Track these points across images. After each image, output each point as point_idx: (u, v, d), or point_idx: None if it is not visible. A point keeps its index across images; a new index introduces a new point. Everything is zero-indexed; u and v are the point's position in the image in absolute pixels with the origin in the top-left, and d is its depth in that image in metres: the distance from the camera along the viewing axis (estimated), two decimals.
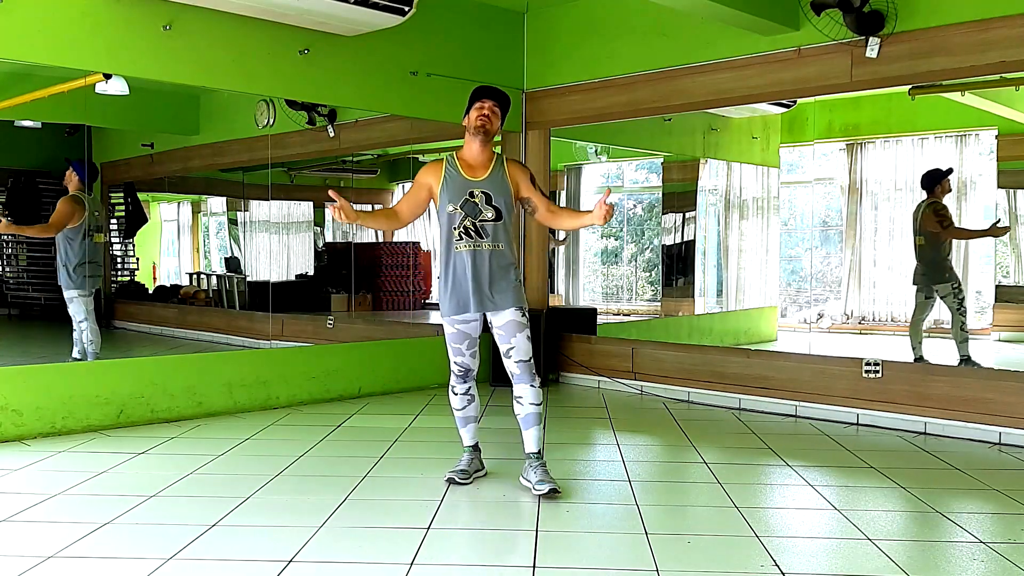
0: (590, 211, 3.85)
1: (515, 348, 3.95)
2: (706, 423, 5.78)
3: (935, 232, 6.25)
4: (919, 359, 6.12)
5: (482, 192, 3.94)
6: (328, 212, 8.29)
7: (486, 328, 4.09)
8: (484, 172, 3.98)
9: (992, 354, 6.15)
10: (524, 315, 3.98)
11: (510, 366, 3.99)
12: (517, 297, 3.97)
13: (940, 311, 6.57)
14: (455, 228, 3.93)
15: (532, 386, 3.97)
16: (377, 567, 3.06)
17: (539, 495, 3.82)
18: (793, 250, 8.19)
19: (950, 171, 6.26)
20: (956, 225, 6.34)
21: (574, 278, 8.84)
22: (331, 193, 3.85)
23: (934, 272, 6.28)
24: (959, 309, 6.13)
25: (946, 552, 3.35)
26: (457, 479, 4.06)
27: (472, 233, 3.92)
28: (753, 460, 4.83)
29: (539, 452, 4.00)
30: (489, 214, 3.93)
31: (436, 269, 4.13)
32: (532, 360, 3.99)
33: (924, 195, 6.34)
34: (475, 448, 4.22)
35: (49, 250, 6.49)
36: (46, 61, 5.06)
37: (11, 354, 5.90)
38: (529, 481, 3.93)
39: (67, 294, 5.72)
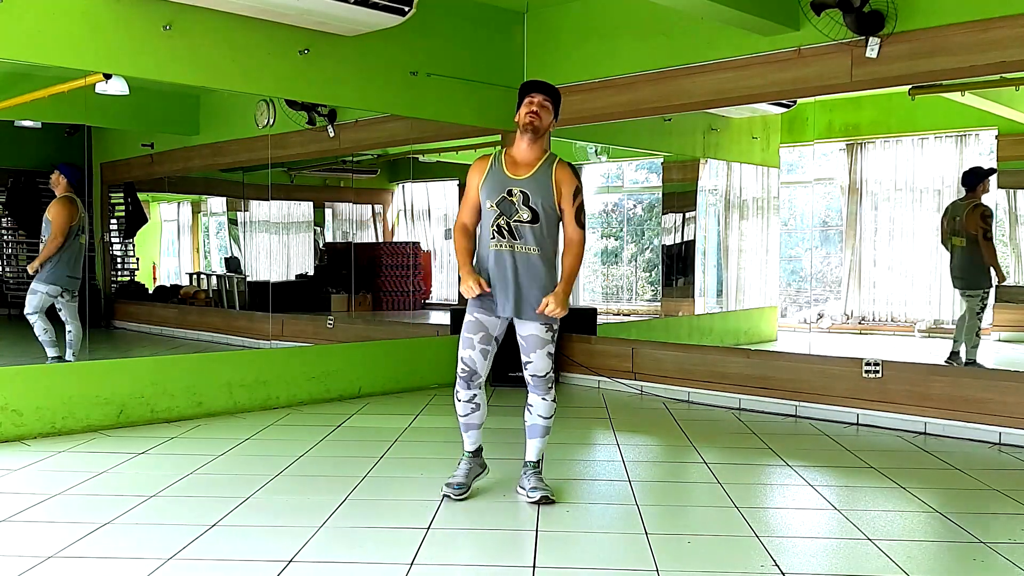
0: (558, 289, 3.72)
1: (532, 363, 3.81)
2: (706, 423, 5.78)
3: (976, 235, 6.11)
4: (956, 355, 6.07)
5: (521, 191, 3.73)
6: (327, 211, 8.34)
7: (509, 334, 3.91)
8: (528, 171, 3.78)
9: (992, 354, 6.15)
10: (549, 331, 3.78)
11: (526, 376, 3.87)
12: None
13: (941, 311, 6.57)
14: (490, 226, 3.76)
15: (544, 399, 3.86)
16: (377, 567, 3.06)
17: (531, 502, 3.78)
18: (793, 250, 8.19)
19: (992, 171, 6.15)
20: (993, 240, 6.16)
21: None
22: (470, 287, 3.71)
23: (971, 276, 6.15)
24: (978, 314, 6.06)
25: (946, 552, 3.35)
26: (452, 496, 3.83)
27: (505, 233, 3.73)
28: (753, 460, 4.83)
29: (537, 462, 3.94)
30: (525, 215, 3.72)
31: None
32: (549, 375, 3.84)
33: (962, 194, 6.19)
34: (475, 454, 4.00)
35: None
36: (46, 61, 5.06)
37: (11, 354, 5.90)
38: (523, 488, 3.87)
39: (33, 285, 5.71)
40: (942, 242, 6.36)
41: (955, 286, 6.25)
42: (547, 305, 3.66)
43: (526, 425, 3.93)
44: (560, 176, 3.78)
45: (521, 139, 3.80)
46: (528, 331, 3.78)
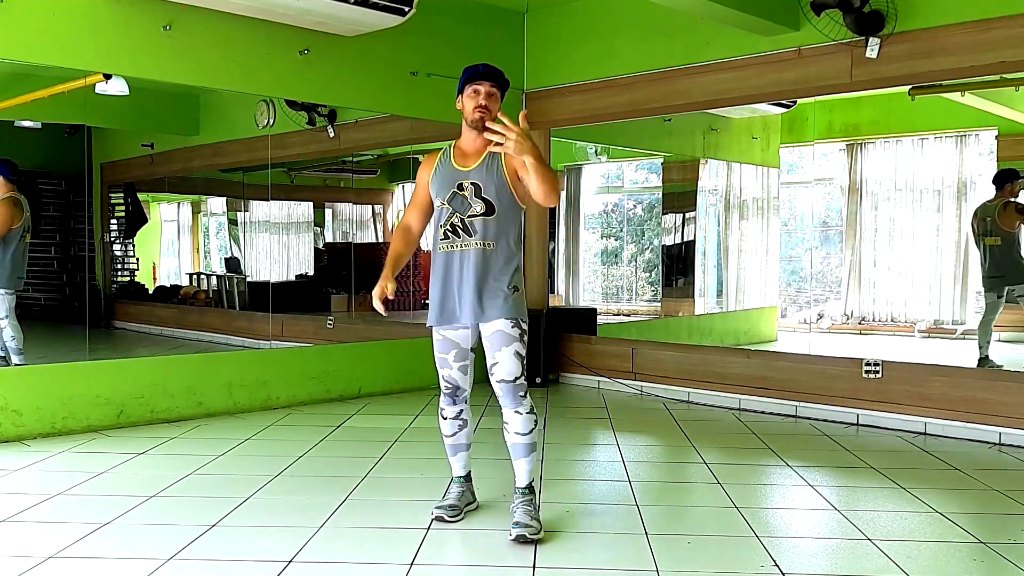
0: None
1: (498, 364, 3.37)
2: (706, 423, 5.78)
3: (1012, 231, 6.01)
4: (984, 359, 5.99)
5: (471, 183, 3.39)
6: (327, 211, 8.34)
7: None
8: (476, 160, 3.42)
9: (993, 354, 6.13)
10: (516, 327, 3.38)
11: (494, 385, 3.43)
12: (511, 307, 3.36)
13: (941, 311, 6.56)
14: (441, 225, 3.43)
15: (518, 412, 3.42)
16: (377, 567, 3.06)
17: (509, 539, 3.32)
18: (793, 250, 8.19)
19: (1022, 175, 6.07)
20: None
21: (574, 278, 8.84)
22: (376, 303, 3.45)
23: (1013, 272, 6.02)
24: None
25: (946, 552, 3.34)
26: (446, 517, 3.52)
27: (460, 231, 3.39)
28: (753, 460, 4.83)
29: (529, 486, 3.49)
30: (478, 208, 3.38)
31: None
32: (520, 382, 3.40)
33: (990, 195, 6.12)
34: (466, 479, 3.69)
35: (49, 250, 6.48)
36: (46, 61, 5.06)
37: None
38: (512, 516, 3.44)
39: None
40: (976, 244, 6.23)
41: (990, 287, 6.12)
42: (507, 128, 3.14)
43: (508, 446, 3.49)
44: (510, 155, 3.34)
45: (469, 132, 3.45)
46: (492, 328, 3.39)
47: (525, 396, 3.44)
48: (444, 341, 3.50)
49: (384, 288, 3.47)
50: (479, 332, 3.49)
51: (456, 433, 3.62)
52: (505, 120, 3.20)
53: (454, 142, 3.56)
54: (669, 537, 3.42)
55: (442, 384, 3.57)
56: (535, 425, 3.48)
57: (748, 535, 3.44)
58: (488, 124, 3.25)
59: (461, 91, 3.44)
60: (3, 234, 5.66)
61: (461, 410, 3.60)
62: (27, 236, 5.83)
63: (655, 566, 3.07)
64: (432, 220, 3.53)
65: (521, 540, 3.30)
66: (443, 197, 3.44)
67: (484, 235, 3.39)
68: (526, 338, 3.44)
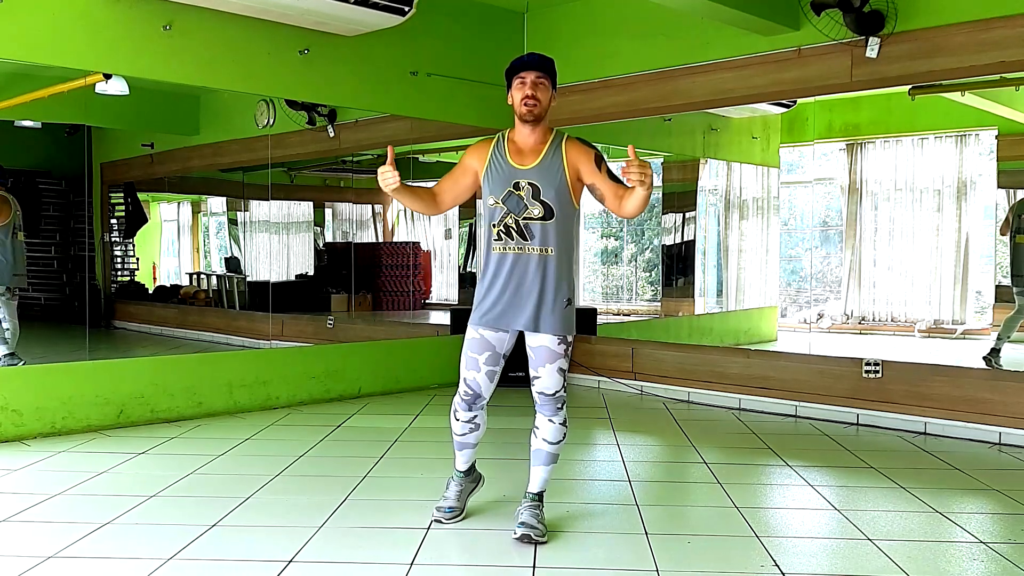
0: (631, 186, 3.12)
1: (540, 379, 3.33)
2: (706, 423, 5.78)
3: None
4: (995, 351, 5.90)
5: (529, 184, 3.25)
6: (327, 211, 8.33)
7: (519, 347, 3.44)
8: (534, 159, 3.28)
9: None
10: (562, 343, 3.30)
11: (533, 392, 3.39)
12: (562, 323, 3.29)
13: (941, 311, 6.56)
14: (494, 225, 3.29)
15: (552, 421, 3.38)
16: (377, 567, 3.06)
17: (513, 538, 3.33)
18: (793, 250, 8.19)
19: None
20: None
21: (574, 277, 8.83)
22: (389, 151, 3.19)
23: None
24: None
25: (946, 552, 3.35)
26: (444, 520, 3.51)
27: (514, 233, 3.25)
28: (753, 460, 4.83)
29: (539, 494, 3.47)
30: (536, 211, 3.24)
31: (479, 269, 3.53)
32: (559, 395, 3.37)
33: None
34: (467, 473, 3.63)
35: (49, 250, 6.49)
36: (46, 61, 5.06)
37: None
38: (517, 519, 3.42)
39: None
40: (1011, 239, 6.07)
41: (1019, 284, 6.04)
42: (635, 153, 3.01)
43: (531, 449, 3.47)
44: (573, 155, 3.28)
45: (522, 127, 3.32)
46: (538, 342, 3.32)
47: (562, 408, 3.41)
48: (480, 341, 3.35)
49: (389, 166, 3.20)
50: (517, 338, 3.41)
51: (466, 434, 3.52)
52: (634, 157, 3.02)
53: (506, 133, 3.40)
54: (669, 537, 3.43)
55: (462, 388, 3.43)
56: (563, 438, 3.43)
57: (748, 535, 3.44)
58: (628, 164, 3.03)
59: (509, 85, 3.31)
60: None
61: (476, 415, 3.48)
62: (21, 234, 5.84)
63: (655, 566, 3.07)
64: (484, 217, 3.38)
65: (525, 540, 3.29)
66: (497, 196, 3.29)
67: (543, 241, 3.26)
68: (571, 350, 3.38)
